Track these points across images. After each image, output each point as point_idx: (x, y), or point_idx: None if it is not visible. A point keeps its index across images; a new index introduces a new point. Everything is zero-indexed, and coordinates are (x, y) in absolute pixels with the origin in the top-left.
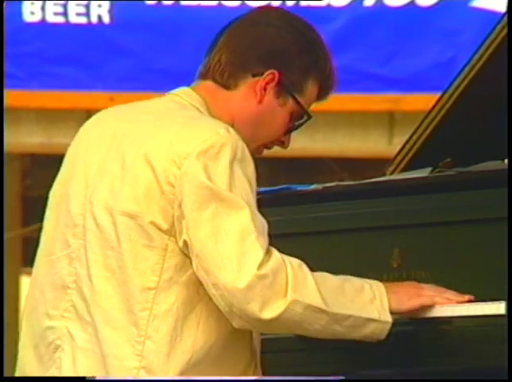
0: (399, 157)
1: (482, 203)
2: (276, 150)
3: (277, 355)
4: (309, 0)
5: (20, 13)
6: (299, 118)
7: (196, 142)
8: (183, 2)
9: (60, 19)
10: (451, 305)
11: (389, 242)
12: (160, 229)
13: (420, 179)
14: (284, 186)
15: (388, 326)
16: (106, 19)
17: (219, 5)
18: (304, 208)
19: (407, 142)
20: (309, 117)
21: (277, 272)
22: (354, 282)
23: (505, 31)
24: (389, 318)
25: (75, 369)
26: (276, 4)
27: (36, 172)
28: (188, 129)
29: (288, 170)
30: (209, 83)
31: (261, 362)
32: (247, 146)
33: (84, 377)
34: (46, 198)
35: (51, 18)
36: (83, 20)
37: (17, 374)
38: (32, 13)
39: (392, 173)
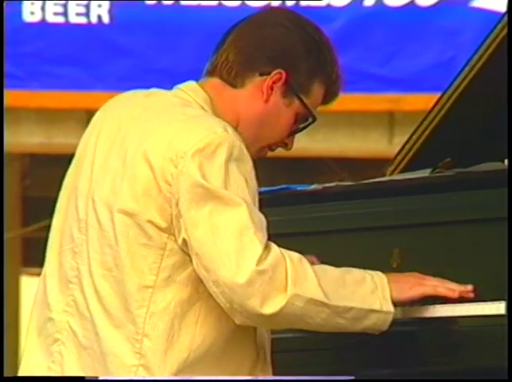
0: (399, 158)
1: (482, 203)
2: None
3: (278, 355)
4: (309, 0)
5: (20, 13)
6: (304, 120)
7: (194, 140)
8: (183, 2)
9: (60, 19)
10: (451, 305)
11: (389, 242)
12: (158, 228)
13: (420, 179)
14: (284, 186)
15: (390, 317)
16: (106, 19)
17: (219, 5)
18: (304, 208)
19: (407, 142)
20: (314, 119)
21: (277, 267)
22: (354, 273)
23: (505, 31)
24: (391, 308)
25: (81, 367)
26: (276, 4)
27: (36, 172)
28: (187, 127)
29: (289, 170)
30: (216, 81)
31: (273, 362)
32: (251, 146)
33: (83, 377)
34: (46, 198)
35: (51, 18)
36: (83, 20)
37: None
38: (32, 13)
39: (392, 173)
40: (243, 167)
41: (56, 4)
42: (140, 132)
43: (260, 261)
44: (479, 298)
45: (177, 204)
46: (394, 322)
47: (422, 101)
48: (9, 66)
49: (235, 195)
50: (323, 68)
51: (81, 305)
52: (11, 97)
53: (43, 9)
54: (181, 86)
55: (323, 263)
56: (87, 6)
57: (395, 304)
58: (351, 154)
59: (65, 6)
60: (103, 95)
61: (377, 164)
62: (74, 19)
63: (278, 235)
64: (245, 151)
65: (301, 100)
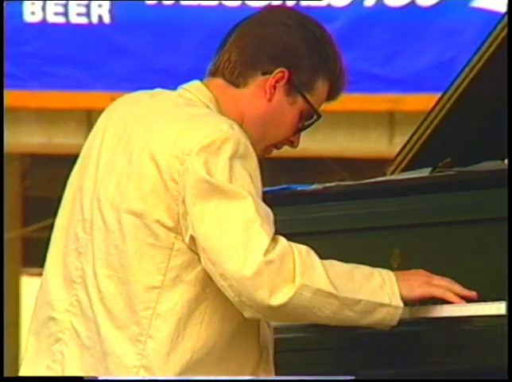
0: (399, 158)
1: (482, 203)
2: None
3: (280, 355)
4: (309, 0)
5: (20, 13)
6: (308, 117)
7: (199, 137)
8: (183, 2)
9: (61, 19)
10: (451, 306)
11: (389, 242)
12: (165, 227)
13: (420, 179)
14: (284, 186)
15: (399, 312)
16: (106, 19)
17: (220, 5)
18: (304, 208)
19: (407, 142)
20: (319, 117)
21: (284, 258)
22: (362, 268)
23: (505, 31)
24: (400, 303)
25: (82, 367)
26: (276, 4)
27: (36, 172)
28: (193, 125)
29: (289, 170)
30: (219, 81)
31: (275, 362)
32: (256, 145)
33: (82, 377)
34: (46, 198)
35: (51, 18)
36: (83, 20)
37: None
38: (33, 13)
39: (392, 173)
40: (248, 164)
41: (56, 4)
42: (145, 132)
43: (267, 252)
44: (479, 298)
45: (184, 202)
46: None
47: (422, 101)
48: (9, 66)
49: (241, 189)
50: (326, 64)
51: (85, 305)
52: (11, 97)
53: (43, 9)
54: (186, 86)
55: None
56: (88, 6)
57: (405, 302)
58: (352, 154)
59: (66, 6)
60: (103, 95)
61: (377, 164)
62: (74, 19)
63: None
64: (250, 148)
65: (305, 98)
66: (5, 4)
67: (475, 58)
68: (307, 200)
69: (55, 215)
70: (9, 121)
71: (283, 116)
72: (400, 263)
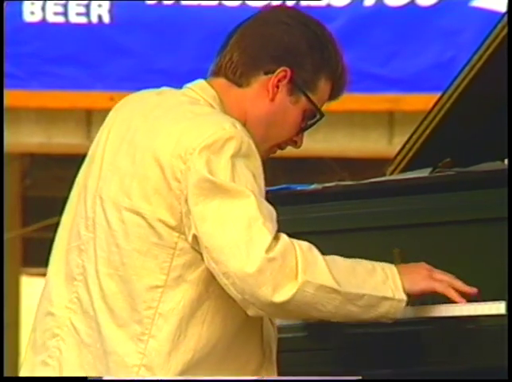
0: (399, 157)
1: (482, 203)
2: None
3: (283, 355)
4: (309, 0)
5: (20, 13)
6: (312, 117)
7: (202, 137)
8: (183, 2)
9: (60, 19)
10: (451, 305)
11: (389, 242)
12: (169, 226)
13: (420, 179)
14: (284, 186)
15: (403, 305)
16: (106, 19)
17: (220, 5)
18: (304, 208)
19: (407, 142)
20: (322, 116)
21: (286, 255)
22: (365, 263)
23: (505, 31)
24: (403, 296)
25: (81, 364)
26: (276, 4)
27: (36, 172)
28: (196, 125)
29: (289, 170)
30: (222, 81)
31: (278, 361)
32: (260, 146)
33: (86, 377)
34: (46, 198)
35: (51, 18)
36: (83, 20)
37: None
38: (33, 13)
39: (392, 173)
40: (251, 163)
41: (56, 4)
42: (149, 131)
43: (269, 249)
44: (479, 297)
45: (186, 201)
46: (395, 322)
47: (422, 101)
48: (9, 66)
49: (243, 187)
50: (327, 63)
51: (85, 302)
52: (11, 97)
53: (43, 9)
54: (190, 85)
55: None
56: (88, 6)
57: (408, 295)
58: (351, 154)
59: (65, 6)
60: (103, 95)
61: (377, 164)
62: (74, 19)
63: None
64: (253, 147)
65: (308, 97)
66: (5, 4)
67: (475, 58)
68: (306, 200)
69: (56, 214)
70: (9, 121)
71: (286, 116)
72: (400, 263)
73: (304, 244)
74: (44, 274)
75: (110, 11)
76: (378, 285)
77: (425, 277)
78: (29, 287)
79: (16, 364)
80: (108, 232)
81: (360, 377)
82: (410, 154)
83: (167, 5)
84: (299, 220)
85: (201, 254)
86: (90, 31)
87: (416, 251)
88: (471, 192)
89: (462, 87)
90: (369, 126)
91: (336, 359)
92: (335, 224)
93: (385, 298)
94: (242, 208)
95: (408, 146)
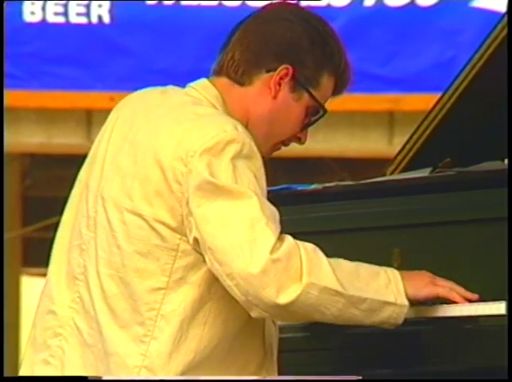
0: (399, 157)
1: (482, 203)
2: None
3: (284, 354)
4: (309, 0)
5: (20, 13)
6: (315, 113)
7: (203, 139)
8: (183, 2)
9: (61, 19)
10: (452, 305)
11: (389, 242)
12: (170, 228)
13: (420, 179)
14: (284, 186)
15: (405, 310)
16: (106, 19)
17: (220, 5)
18: (304, 208)
19: (407, 142)
20: (325, 112)
21: (291, 256)
22: (368, 267)
23: (505, 31)
24: (405, 302)
25: (84, 365)
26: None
27: (36, 172)
28: (197, 126)
29: (289, 170)
30: (224, 80)
31: (278, 362)
32: (264, 143)
33: (86, 377)
34: (46, 198)
35: (51, 18)
36: (83, 20)
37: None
38: (33, 13)
39: (392, 173)
40: (252, 164)
41: (56, 4)
42: (150, 130)
43: (273, 250)
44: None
45: (187, 203)
46: None
47: (422, 101)
48: (9, 66)
49: (246, 188)
50: (330, 59)
51: (87, 302)
52: (11, 97)
53: (43, 9)
54: (193, 84)
55: None
56: (88, 6)
57: (410, 301)
58: (351, 154)
59: (66, 6)
60: (103, 95)
61: (377, 164)
62: (74, 19)
63: None
64: (255, 149)
65: (310, 93)
66: (5, 4)
67: (475, 58)
68: (306, 200)
69: (56, 214)
70: (9, 121)
71: (289, 113)
72: (400, 263)
73: (309, 246)
74: (44, 275)
75: (111, 11)
76: (380, 289)
77: (428, 283)
78: (29, 287)
79: (16, 364)
80: (109, 233)
81: (360, 377)
82: (410, 154)
83: (167, 5)
84: (299, 220)
85: (203, 256)
86: (90, 31)
87: (417, 251)
88: (471, 192)
89: (462, 87)
90: (369, 126)
91: (336, 359)
92: (335, 224)
93: (388, 303)
94: (244, 209)
95: (408, 146)
